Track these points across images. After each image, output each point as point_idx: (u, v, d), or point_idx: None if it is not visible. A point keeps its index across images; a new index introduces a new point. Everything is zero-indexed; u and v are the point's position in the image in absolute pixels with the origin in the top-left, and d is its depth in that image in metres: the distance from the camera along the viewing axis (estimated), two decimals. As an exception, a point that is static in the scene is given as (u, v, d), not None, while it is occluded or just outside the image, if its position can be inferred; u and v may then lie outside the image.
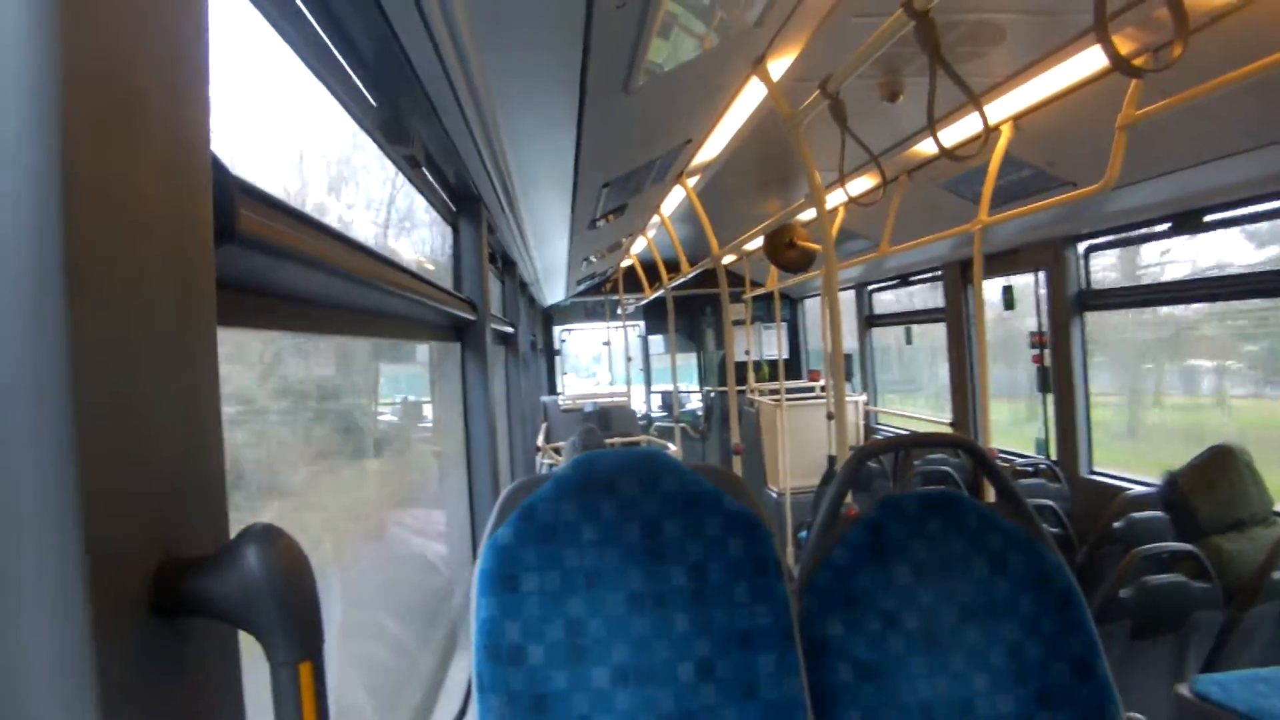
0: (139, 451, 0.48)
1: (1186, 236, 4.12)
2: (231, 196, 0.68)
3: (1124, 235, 4.53)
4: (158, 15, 0.52)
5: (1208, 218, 3.90)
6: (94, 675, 0.43)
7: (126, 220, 0.47)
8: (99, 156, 0.44)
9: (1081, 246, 4.83)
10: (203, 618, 0.51)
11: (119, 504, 0.46)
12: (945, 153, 2.32)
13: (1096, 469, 4.90)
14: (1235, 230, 3.90)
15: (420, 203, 2.42)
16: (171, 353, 0.53)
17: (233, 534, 0.52)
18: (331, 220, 1.41)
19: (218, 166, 0.66)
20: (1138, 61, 1.77)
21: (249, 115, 1.09)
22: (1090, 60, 2.94)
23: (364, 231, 1.94)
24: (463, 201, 2.65)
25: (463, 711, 2.22)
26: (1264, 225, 3.75)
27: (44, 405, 0.41)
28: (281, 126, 1.33)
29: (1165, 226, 4.16)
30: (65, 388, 0.42)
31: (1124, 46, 2.66)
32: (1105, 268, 4.83)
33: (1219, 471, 3.29)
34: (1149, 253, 4.58)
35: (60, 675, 0.42)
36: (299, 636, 0.51)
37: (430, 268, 2.70)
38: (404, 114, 1.70)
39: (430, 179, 2.30)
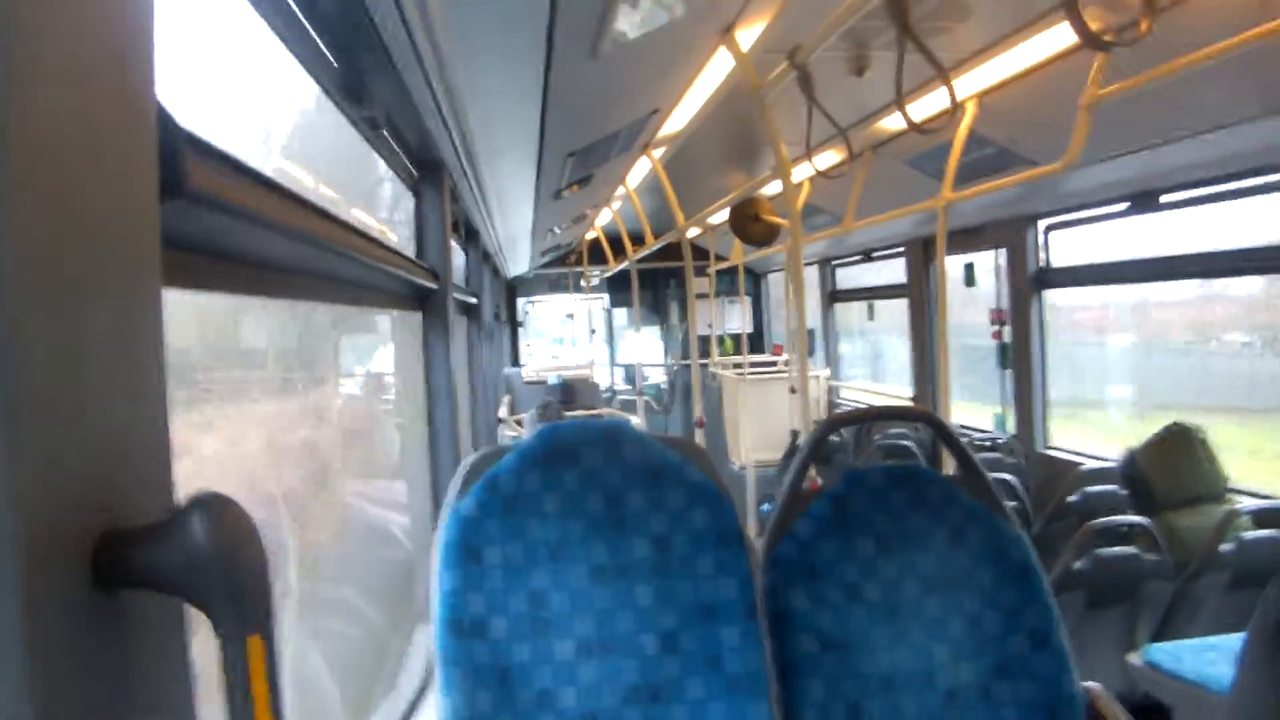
0: (77, 417, 0.45)
1: (1142, 216, 4.18)
2: (179, 149, 0.65)
3: (1083, 215, 4.59)
4: None
5: (1163, 198, 3.96)
6: (31, 650, 0.41)
7: (62, 171, 0.44)
8: (29, 102, 0.41)
9: (1042, 225, 4.88)
10: (148, 590, 0.48)
11: (56, 472, 0.43)
12: (913, 127, 2.32)
13: (1052, 444, 4.99)
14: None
15: (381, 168, 2.36)
16: (112, 313, 0.50)
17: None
18: (288, 182, 1.36)
19: (163, 117, 0.62)
20: (1105, 38, 1.78)
21: (200, 69, 1.05)
22: (1056, 38, 2.95)
23: (322, 195, 1.89)
24: (425, 167, 2.60)
25: (424, 685, 2.21)
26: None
27: None
28: (235, 81, 1.28)
29: (1123, 206, 4.22)
30: None
31: (1090, 24, 2.68)
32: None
33: (1176, 449, 3.37)
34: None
35: None
36: (248, 609, 0.49)
37: (393, 237, 2.65)
38: (364, 73, 1.65)
39: (391, 142, 2.25)
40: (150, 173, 0.56)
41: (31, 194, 0.41)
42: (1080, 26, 1.58)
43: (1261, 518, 3.08)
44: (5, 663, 0.40)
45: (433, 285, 2.49)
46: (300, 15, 1.33)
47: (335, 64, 1.57)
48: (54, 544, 0.43)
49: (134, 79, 0.53)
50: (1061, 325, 5.19)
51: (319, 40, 1.45)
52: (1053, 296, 5.00)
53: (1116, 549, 3.01)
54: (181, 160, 0.65)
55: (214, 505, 0.49)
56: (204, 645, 0.58)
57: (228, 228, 0.84)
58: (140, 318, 0.53)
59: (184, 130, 0.66)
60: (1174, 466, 3.34)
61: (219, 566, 0.47)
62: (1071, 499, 3.75)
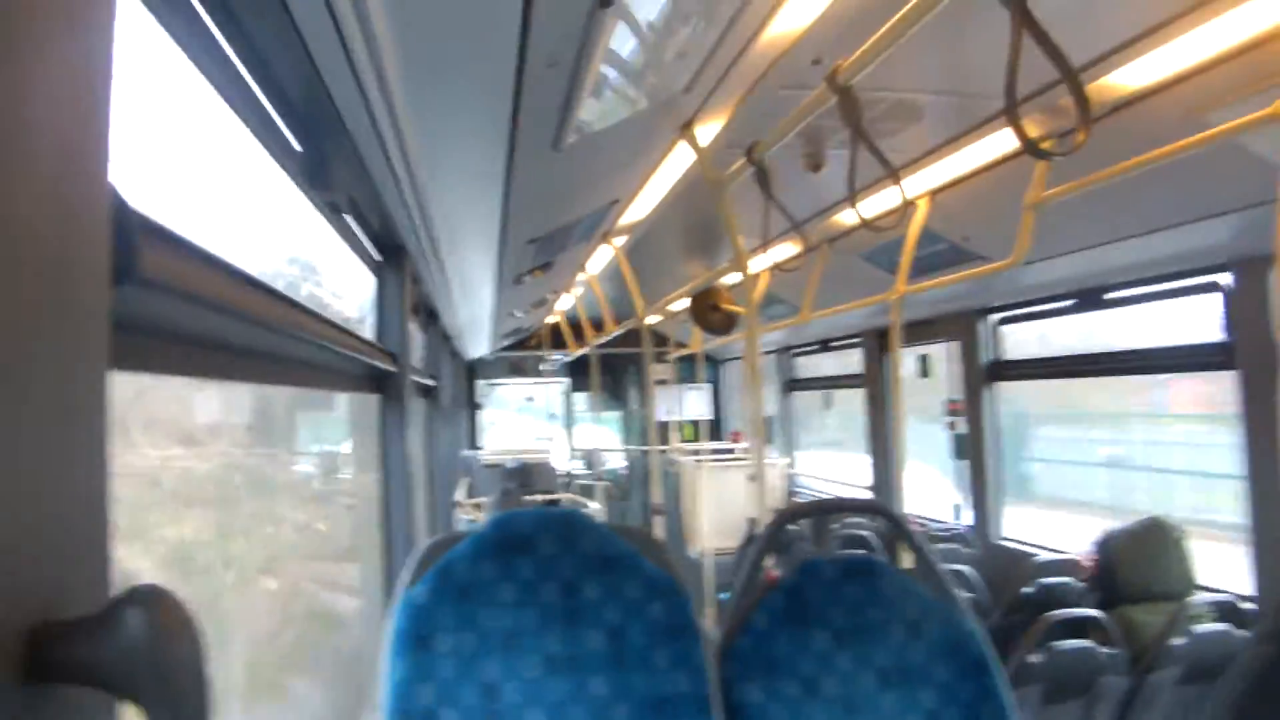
0: (15, 503, 0.44)
1: (1087, 313, 4.32)
2: (133, 234, 0.65)
3: (1032, 310, 4.72)
4: (57, 34, 0.49)
5: (1107, 295, 4.09)
6: None
7: (7, 255, 0.44)
8: None
9: (993, 319, 5.01)
10: (81, 685, 0.46)
11: None
12: (865, 224, 2.39)
13: (1006, 535, 5.02)
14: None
15: (343, 250, 2.37)
16: (55, 398, 0.49)
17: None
18: (246, 265, 1.37)
19: (118, 202, 0.62)
20: (1044, 145, 1.86)
21: (159, 151, 1.06)
22: (1003, 141, 3.08)
23: (283, 277, 1.89)
24: (387, 251, 2.62)
25: None
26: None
27: None
28: (196, 164, 1.29)
29: (1070, 303, 4.35)
30: None
31: (1032, 130, 2.79)
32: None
33: (1148, 542, 3.36)
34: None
35: None
36: (185, 707, 0.47)
37: (351, 315, 2.64)
38: (328, 159, 1.68)
39: (354, 227, 2.26)
40: (102, 258, 0.56)
41: None
42: (1021, 135, 1.65)
43: (1217, 611, 3.10)
44: None
45: (391, 368, 2.48)
46: (264, 100, 1.36)
47: (299, 149, 1.59)
48: None
49: (88, 165, 0.53)
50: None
51: (282, 125, 1.47)
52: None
53: (1073, 643, 3.00)
54: (135, 245, 0.65)
55: (150, 598, 0.47)
56: None
57: (183, 311, 0.84)
58: (85, 403, 0.53)
59: (138, 215, 0.66)
60: (1144, 560, 3.33)
61: (154, 662, 0.46)
62: (1027, 590, 3.75)
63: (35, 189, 0.47)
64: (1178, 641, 2.98)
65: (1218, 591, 3.37)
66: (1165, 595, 3.27)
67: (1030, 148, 1.69)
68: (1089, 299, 4.20)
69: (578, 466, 11.26)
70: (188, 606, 0.50)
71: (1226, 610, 3.11)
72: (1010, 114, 1.59)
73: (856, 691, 1.74)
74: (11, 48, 0.44)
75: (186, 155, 1.24)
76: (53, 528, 0.48)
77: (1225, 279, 3.47)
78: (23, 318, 0.45)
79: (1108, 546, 3.41)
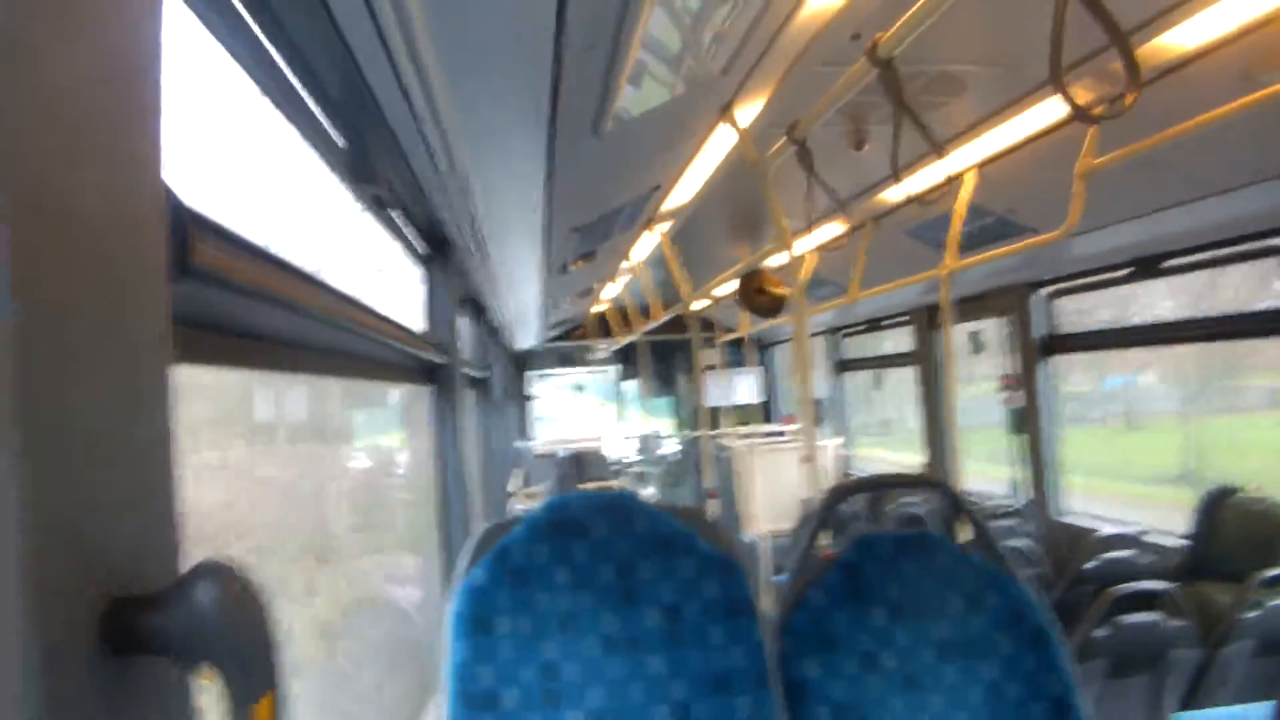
0: (88, 488, 0.47)
1: (1145, 281, 4.21)
2: (187, 230, 0.67)
3: (1085, 280, 4.62)
4: (109, 39, 0.51)
5: (1166, 263, 3.98)
6: (42, 717, 0.41)
7: (73, 252, 0.46)
8: (38, 188, 0.43)
9: (1045, 291, 4.91)
10: (156, 656, 0.49)
11: (67, 541, 0.44)
12: (911, 199, 2.36)
13: (1068, 509, 4.93)
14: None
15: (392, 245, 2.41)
16: (123, 388, 0.51)
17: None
18: (299, 261, 1.40)
19: (172, 199, 0.64)
20: (1094, 110, 1.82)
21: (208, 150, 1.09)
22: (1049, 110, 3.01)
23: (334, 272, 1.92)
24: (434, 244, 2.65)
25: None
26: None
27: None
28: (244, 163, 1.33)
29: (1125, 272, 4.24)
30: (9, 423, 0.40)
31: (1081, 96, 2.73)
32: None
33: (1265, 523, 3.20)
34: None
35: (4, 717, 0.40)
36: (255, 672, 0.50)
37: (403, 311, 2.68)
38: (372, 154, 1.70)
39: (400, 222, 2.30)
40: (160, 254, 0.58)
41: (43, 277, 0.43)
42: (1068, 100, 1.62)
43: None
44: None
45: (442, 360, 2.52)
46: (306, 97, 1.38)
47: (342, 146, 1.62)
48: (63, 610, 0.44)
49: (142, 164, 0.55)
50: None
51: (325, 121, 1.50)
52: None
53: (1139, 616, 2.94)
54: (190, 241, 0.68)
55: (217, 572, 0.50)
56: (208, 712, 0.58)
57: (237, 305, 0.87)
58: (151, 393, 0.55)
59: (192, 211, 0.69)
60: (1251, 540, 3.16)
61: (224, 632, 0.48)
62: (1089, 565, 3.68)
63: (93, 187, 0.49)
64: (1250, 615, 2.91)
65: None
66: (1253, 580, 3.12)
67: (1079, 113, 1.65)
68: (1145, 267, 4.09)
69: (630, 454, 11.31)
70: (253, 578, 0.52)
71: None
72: (1056, 80, 1.56)
73: (916, 665, 1.73)
74: (65, 49, 0.46)
75: (234, 155, 1.27)
76: (123, 510, 0.50)
77: None
78: (89, 313, 0.47)
79: (1215, 514, 3.27)
